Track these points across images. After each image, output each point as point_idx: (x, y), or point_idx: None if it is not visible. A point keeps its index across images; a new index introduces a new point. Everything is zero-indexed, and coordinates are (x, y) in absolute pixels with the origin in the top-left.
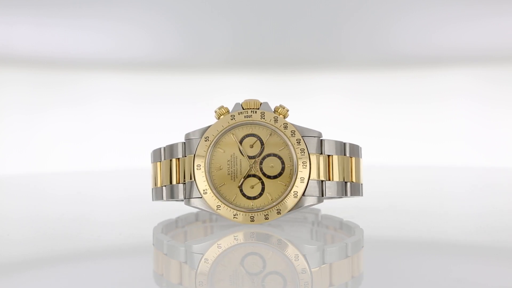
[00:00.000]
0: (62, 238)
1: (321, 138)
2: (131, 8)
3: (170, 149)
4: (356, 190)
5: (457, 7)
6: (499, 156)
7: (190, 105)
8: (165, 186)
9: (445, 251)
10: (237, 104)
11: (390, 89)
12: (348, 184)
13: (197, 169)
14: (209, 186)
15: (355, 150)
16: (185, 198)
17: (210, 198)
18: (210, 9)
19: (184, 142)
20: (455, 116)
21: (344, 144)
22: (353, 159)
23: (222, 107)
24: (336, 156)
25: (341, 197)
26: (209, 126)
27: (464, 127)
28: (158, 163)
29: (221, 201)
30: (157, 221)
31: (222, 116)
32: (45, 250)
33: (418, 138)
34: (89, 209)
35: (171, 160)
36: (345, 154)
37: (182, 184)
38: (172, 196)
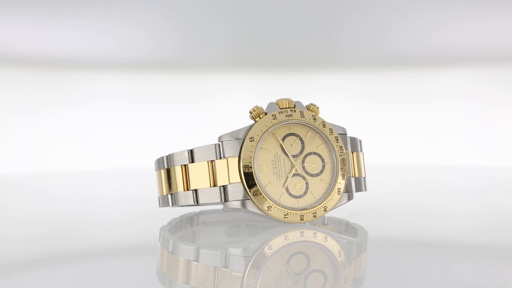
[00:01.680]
0: (62, 238)
1: (348, 135)
2: (131, 8)
3: (201, 152)
4: (361, 185)
5: (457, 7)
6: (499, 156)
7: (190, 105)
8: (192, 190)
9: (445, 251)
10: (271, 103)
11: (390, 89)
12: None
13: (244, 170)
14: (259, 187)
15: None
16: (225, 201)
17: (261, 199)
18: (210, 9)
19: (219, 144)
20: (455, 116)
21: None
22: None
23: (258, 107)
24: (355, 152)
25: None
26: (251, 126)
27: (464, 127)
28: (179, 167)
29: (272, 202)
30: (157, 221)
31: (260, 116)
32: (45, 250)
33: (418, 138)
34: (89, 209)
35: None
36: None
37: (219, 187)
38: (203, 200)
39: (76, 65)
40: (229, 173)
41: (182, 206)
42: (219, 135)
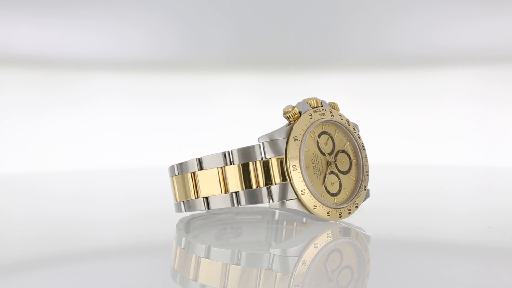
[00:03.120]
0: (62, 238)
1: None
2: (131, 8)
3: (244, 153)
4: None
5: (457, 7)
6: (499, 155)
7: (190, 105)
8: (241, 191)
9: (444, 251)
10: (300, 102)
11: (390, 89)
12: None
13: (293, 169)
14: (307, 186)
15: None
16: (272, 202)
17: (308, 198)
18: (210, 9)
19: (263, 144)
20: (455, 116)
21: None
22: None
23: (292, 106)
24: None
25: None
26: (291, 126)
27: (464, 126)
28: (215, 170)
29: (317, 200)
30: (158, 221)
31: (298, 116)
32: (45, 250)
33: (418, 137)
34: (89, 208)
35: (246, 164)
36: None
37: (265, 188)
38: (250, 201)
39: (76, 65)
40: (273, 173)
41: (206, 210)
42: (259, 136)
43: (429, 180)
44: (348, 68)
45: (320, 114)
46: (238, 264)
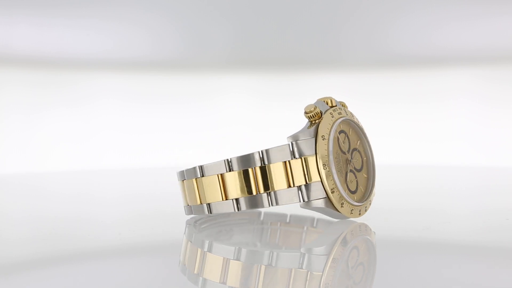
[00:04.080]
0: (62, 238)
1: None
2: (131, 8)
3: (278, 152)
4: None
5: (457, 7)
6: (499, 155)
7: (190, 105)
8: (266, 192)
9: (443, 251)
10: (319, 101)
11: (390, 89)
12: None
13: (323, 168)
14: (336, 185)
15: None
16: (303, 201)
17: (336, 196)
18: (210, 9)
19: (293, 143)
20: (455, 116)
21: None
22: None
23: (315, 106)
24: None
25: None
26: (316, 125)
27: (464, 126)
28: (252, 170)
29: (344, 199)
30: (158, 221)
31: (320, 115)
32: (45, 250)
33: (418, 137)
34: (89, 208)
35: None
36: None
37: (297, 187)
38: (287, 200)
39: (76, 65)
40: (307, 172)
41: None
42: (287, 136)
43: (429, 180)
44: (348, 68)
45: (339, 113)
46: (270, 264)
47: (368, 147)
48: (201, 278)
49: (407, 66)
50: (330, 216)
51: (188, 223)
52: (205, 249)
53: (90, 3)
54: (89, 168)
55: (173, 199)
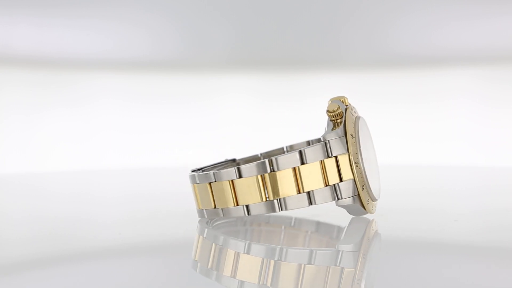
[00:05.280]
0: (62, 238)
1: None
2: (131, 8)
3: (314, 152)
4: None
5: (457, 7)
6: (499, 155)
7: (190, 105)
8: (307, 192)
9: (443, 251)
10: (336, 101)
11: (390, 89)
12: None
13: (356, 166)
14: (366, 182)
15: None
16: (342, 198)
17: (365, 193)
18: (210, 9)
19: (327, 143)
20: (455, 116)
21: None
22: None
23: (337, 104)
24: None
25: None
26: (343, 124)
27: (464, 126)
28: (290, 170)
29: (369, 196)
30: (158, 221)
31: (342, 114)
32: (45, 250)
33: (418, 137)
34: (89, 208)
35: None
36: None
37: (331, 186)
38: (326, 199)
39: (76, 65)
40: (340, 171)
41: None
42: (322, 135)
43: (429, 180)
44: (348, 68)
45: (354, 112)
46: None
47: (372, 144)
48: (237, 280)
49: (407, 66)
50: (351, 213)
51: (208, 224)
52: (243, 251)
53: (90, 3)
54: (89, 168)
55: (173, 199)
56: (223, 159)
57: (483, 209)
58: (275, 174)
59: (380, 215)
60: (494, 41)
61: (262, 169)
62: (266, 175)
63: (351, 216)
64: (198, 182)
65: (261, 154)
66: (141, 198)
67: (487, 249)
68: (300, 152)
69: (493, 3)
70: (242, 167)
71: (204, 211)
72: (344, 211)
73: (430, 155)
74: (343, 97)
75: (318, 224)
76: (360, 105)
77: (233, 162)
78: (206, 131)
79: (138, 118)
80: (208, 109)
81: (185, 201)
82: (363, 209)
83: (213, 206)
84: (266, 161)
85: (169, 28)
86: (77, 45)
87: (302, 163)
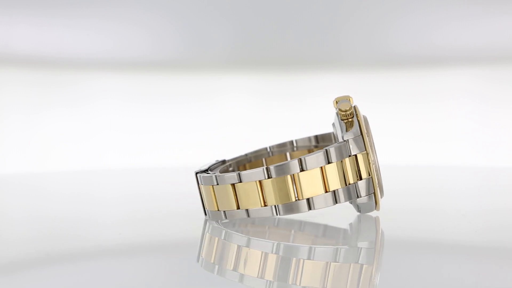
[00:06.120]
0: (62, 238)
1: None
2: (131, 8)
3: (339, 150)
4: None
5: (457, 7)
6: (499, 156)
7: (190, 105)
8: (332, 192)
9: (442, 251)
10: (345, 100)
11: (390, 89)
12: None
13: (372, 164)
14: (379, 180)
15: None
16: (361, 197)
17: (378, 191)
18: (210, 9)
19: (347, 141)
20: (455, 116)
21: None
22: None
23: (349, 104)
24: None
25: None
26: (358, 123)
27: (464, 126)
28: (318, 169)
29: (380, 193)
30: (158, 222)
31: (353, 113)
32: (45, 249)
33: (417, 137)
34: (89, 208)
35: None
36: None
37: (351, 185)
38: (349, 197)
39: (76, 65)
40: (360, 169)
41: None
42: (344, 136)
43: (429, 180)
44: (348, 68)
45: (359, 111)
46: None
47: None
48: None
49: (407, 66)
50: (362, 210)
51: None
52: (274, 251)
53: (90, 3)
54: (89, 168)
55: (173, 198)
56: (213, 161)
57: (483, 209)
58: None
59: (379, 214)
60: (494, 41)
61: (298, 169)
62: (295, 175)
63: (350, 216)
64: (218, 184)
65: (246, 155)
66: (141, 198)
67: (487, 249)
68: (326, 152)
69: (493, 3)
70: (273, 167)
71: (210, 212)
72: (342, 211)
73: (429, 155)
74: (348, 96)
75: (326, 227)
76: (360, 105)
77: (223, 163)
78: (206, 131)
79: (138, 118)
80: (208, 109)
81: (185, 201)
82: (375, 206)
83: (233, 208)
84: (298, 160)
85: (169, 28)
86: (77, 45)
87: (329, 162)
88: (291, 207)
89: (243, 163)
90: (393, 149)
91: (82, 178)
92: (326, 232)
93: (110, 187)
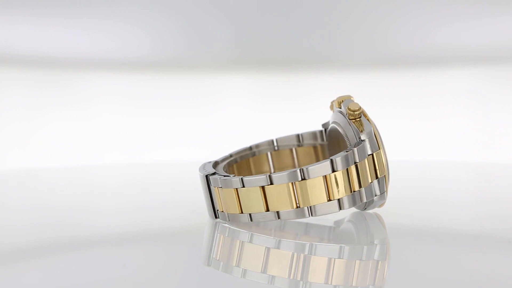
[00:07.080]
0: (62, 229)
1: None
2: (131, 8)
3: (363, 150)
4: None
5: (457, 7)
6: (499, 156)
7: (190, 105)
8: (354, 192)
9: (443, 251)
10: (349, 100)
11: (390, 89)
12: None
13: (386, 161)
14: (389, 178)
15: None
16: (376, 195)
17: (388, 188)
18: (210, 9)
19: (365, 141)
20: (455, 115)
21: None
22: None
23: (356, 103)
24: None
25: None
26: (367, 122)
27: (464, 126)
28: (354, 167)
29: (387, 191)
30: (158, 221)
31: (362, 112)
32: (45, 242)
33: (417, 137)
34: (89, 203)
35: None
36: None
37: (375, 182)
38: (354, 203)
39: (76, 65)
40: (377, 168)
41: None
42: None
43: (428, 180)
44: (348, 68)
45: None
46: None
47: None
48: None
49: (407, 66)
50: (367, 208)
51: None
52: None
53: (90, 3)
54: (89, 168)
55: (174, 199)
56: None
57: (484, 208)
58: (357, 166)
59: (378, 210)
60: (494, 41)
61: (330, 170)
62: (330, 175)
63: (350, 216)
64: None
65: (231, 155)
66: (140, 198)
67: (488, 240)
68: (354, 152)
69: (493, 3)
70: (275, 176)
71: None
72: (342, 211)
73: (429, 155)
74: (349, 96)
75: (330, 228)
76: (360, 105)
77: (215, 164)
78: (206, 131)
79: (138, 118)
80: (208, 109)
81: (185, 201)
82: (381, 204)
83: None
84: (349, 155)
85: (169, 28)
86: (77, 45)
87: (354, 162)
88: (326, 207)
89: (246, 157)
90: (393, 149)
91: (82, 177)
92: (331, 235)
93: (110, 187)
